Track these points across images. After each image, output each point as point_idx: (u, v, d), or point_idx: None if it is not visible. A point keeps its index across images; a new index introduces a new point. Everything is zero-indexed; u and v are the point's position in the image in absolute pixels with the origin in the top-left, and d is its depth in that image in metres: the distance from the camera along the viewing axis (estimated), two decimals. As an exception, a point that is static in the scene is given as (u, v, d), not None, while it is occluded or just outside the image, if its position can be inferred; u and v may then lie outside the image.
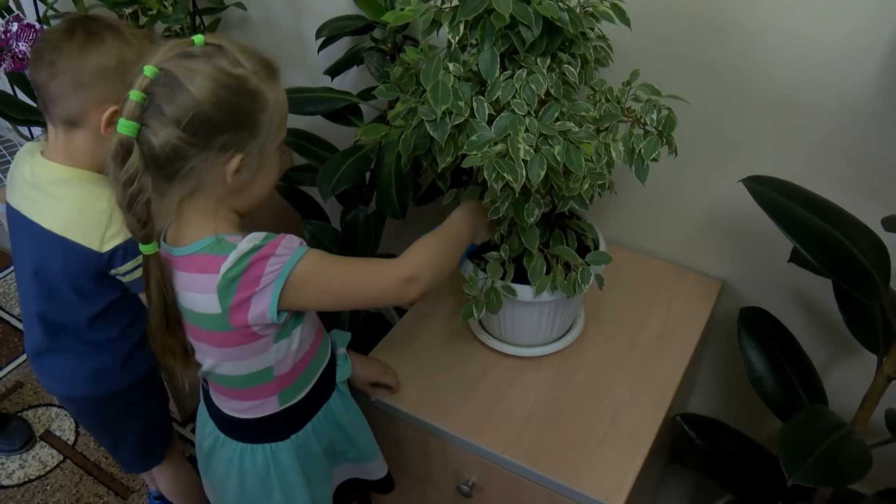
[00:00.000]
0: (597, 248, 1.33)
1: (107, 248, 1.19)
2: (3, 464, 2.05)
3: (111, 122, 1.15)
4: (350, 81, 1.81)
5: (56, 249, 1.21)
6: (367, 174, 1.61)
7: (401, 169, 1.37)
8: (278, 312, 0.99)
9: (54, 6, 1.78)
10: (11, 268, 2.73)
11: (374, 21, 1.56)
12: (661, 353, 1.42)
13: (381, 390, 1.35)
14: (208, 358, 1.08)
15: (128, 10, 1.68)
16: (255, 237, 0.98)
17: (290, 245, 0.99)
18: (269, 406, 1.13)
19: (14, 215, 1.28)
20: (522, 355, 1.40)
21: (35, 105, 1.84)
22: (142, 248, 0.98)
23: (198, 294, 1.00)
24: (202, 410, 1.23)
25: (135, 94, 0.91)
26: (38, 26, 1.53)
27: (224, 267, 0.96)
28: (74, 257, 1.21)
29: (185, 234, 1.01)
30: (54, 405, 2.19)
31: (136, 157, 0.92)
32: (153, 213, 0.96)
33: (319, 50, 1.65)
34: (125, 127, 0.91)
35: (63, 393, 1.41)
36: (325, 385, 1.21)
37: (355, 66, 1.65)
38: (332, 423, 1.23)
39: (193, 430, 2.09)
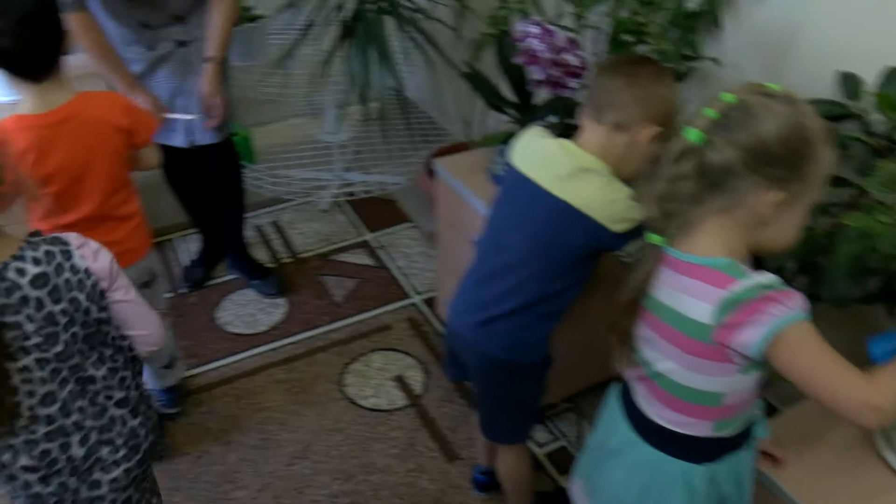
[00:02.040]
0: None
1: (619, 229, 1.39)
2: (361, 388, 2.31)
3: (653, 139, 1.38)
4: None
5: (575, 223, 1.41)
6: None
7: (861, 263, 1.35)
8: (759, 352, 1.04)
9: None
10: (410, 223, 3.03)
11: (858, 114, 1.56)
12: None
13: (767, 461, 1.35)
14: (668, 360, 1.15)
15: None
16: (772, 277, 1.05)
17: (799, 304, 1.04)
18: (700, 428, 1.18)
19: (522, 183, 1.47)
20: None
21: (502, 96, 2.09)
22: (651, 237, 1.12)
23: (695, 300, 1.08)
24: (614, 410, 1.31)
25: (710, 112, 1.05)
26: (551, 29, 1.72)
27: (736, 287, 1.04)
28: (588, 232, 1.41)
29: (698, 245, 1.10)
30: (411, 354, 2.42)
31: (691, 163, 1.05)
32: (678, 214, 1.09)
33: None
34: (694, 135, 1.05)
35: (490, 351, 1.54)
36: (744, 436, 1.25)
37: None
38: (734, 476, 1.25)
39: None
